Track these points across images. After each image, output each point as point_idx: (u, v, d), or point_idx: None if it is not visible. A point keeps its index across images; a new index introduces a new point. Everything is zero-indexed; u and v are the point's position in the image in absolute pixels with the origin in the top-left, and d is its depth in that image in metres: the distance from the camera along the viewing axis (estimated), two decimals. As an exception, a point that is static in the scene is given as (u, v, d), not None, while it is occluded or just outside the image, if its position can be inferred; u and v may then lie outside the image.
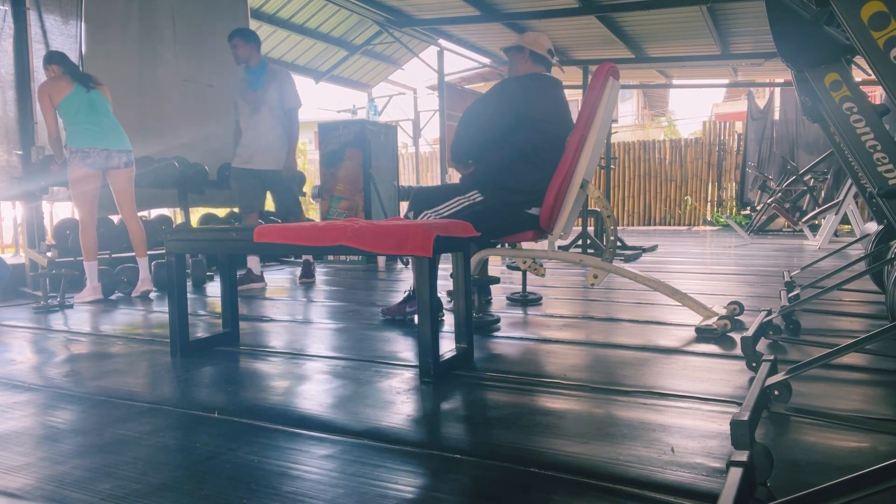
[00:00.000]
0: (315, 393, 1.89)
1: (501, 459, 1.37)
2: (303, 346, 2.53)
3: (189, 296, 3.39)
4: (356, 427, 1.59)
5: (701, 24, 7.68)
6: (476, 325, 2.71)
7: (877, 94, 8.93)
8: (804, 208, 9.60)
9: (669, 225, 13.13)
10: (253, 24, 7.34)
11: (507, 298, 3.56)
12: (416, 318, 2.63)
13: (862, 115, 2.09)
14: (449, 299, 3.29)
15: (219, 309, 2.75)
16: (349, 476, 1.30)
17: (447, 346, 2.23)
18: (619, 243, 6.31)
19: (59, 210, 6.21)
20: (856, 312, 3.06)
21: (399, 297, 3.40)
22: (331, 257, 6.26)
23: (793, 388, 1.60)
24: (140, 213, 4.71)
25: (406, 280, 4.75)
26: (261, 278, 4.38)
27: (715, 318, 2.63)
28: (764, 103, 12.17)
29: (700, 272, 4.85)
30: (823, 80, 2.16)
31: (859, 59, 2.14)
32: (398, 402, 1.79)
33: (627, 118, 22.44)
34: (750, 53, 9.06)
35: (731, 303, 2.85)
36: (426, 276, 1.95)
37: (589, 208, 6.63)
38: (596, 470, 1.30)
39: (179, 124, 5.71)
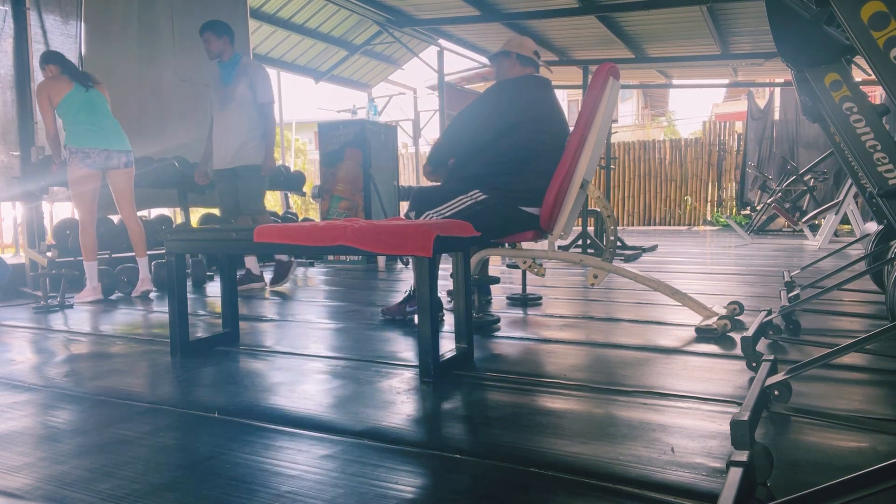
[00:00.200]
0: (315, 393, 1.89)
1: (501, 459, 1.37)
2: (303, 346, 2.53)
3: (189, 296, 3.39)
4: (356, 427, 1.59)
5: (701, 24, 7.68)
6: (476, 325, 2.71)
7: (877, 94, 8.94)
8: (804, 208, 9.60)
9: (669, 225, 13.13)
10: (253, 24, 7.34)
11: (507, 298, 3.56)
12: (416, 318, 2.63)
13: (862, 115, 2.09)
14: (449, 299, 3.29)
15: (219, 309, 2.75)
16: (349, 476, 1.30)
17: (447, 346, 2.23)
18: (619, 243, 6.31)
19: (59, 210, 6.22)
20: (856, 312, 3.06)
21: (399, 297, 3.40)
22: (331, 257, 6.26)
23: (793, 388, 1.60)
24: (140, 213, 4.71)
25: (406, 280, 4.75)
26: (260, 278, 4.36)
27: (715, 318, 2.63)
28: (764, 103, 12.17)
29: (700, 272, 4.85)
30: (823, 80, 2.15)
31: (859, 59, 2.14)
32: (398, 402, 1.79)
33: (627, 118, 22.44)
34: (750, 53, 9.06)
35: (731, 303, 2.85)
36: (426, 276, 1.95)
37: (589, 208, 6.63)
38: (596, 470, 1.30)
39: (179, 124, 5.71)
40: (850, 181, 6.55)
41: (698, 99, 46.09)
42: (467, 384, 1.95)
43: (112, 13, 5.27)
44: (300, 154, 16.32)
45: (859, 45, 1.38)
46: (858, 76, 4.46)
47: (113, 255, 4.76)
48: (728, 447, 1.35)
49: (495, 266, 5.37)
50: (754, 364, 1.91)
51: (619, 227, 7.91)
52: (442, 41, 8.97)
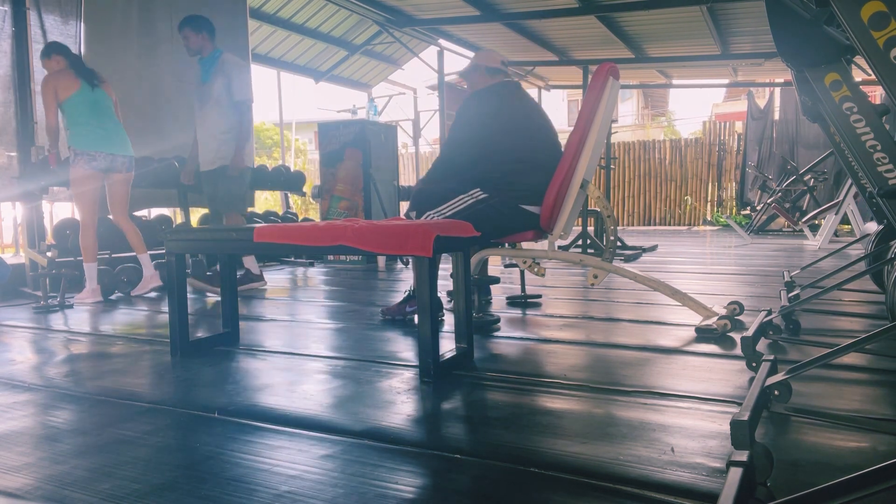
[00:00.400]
0: (315, 393, 1.89)
1: (501, 459, 1.37)
2: (303, 346, 2.53)
3: (189, 296, 3.39)
4: (356, 427, 1.59)
5: (701, 24, 7.68)
6: (476, 325, 2.71)
7: (877, 94, 8.93)
8: (804, 208, 9.60)
9: (669, 225, 13.13)
10: (253, 24, 7.34)
11: (507, 298, 3.56)
12: (416, 318, 2.63)
13: (862, 115, 2.09)
14: (449, 299, 3.29)
15: (219, 309, 2.75)
16: (349, 476, 1.30)
17: (447, 346, 2.23)
18: (619, 243, 6.31)
19: (59, 210, 6.21)
20: (856, 312, 3.06)
21: (399, 297, 3.40)
22: (331, 257, 6.26)
23: (793, 388, 1.60)
24: (140, 213, 4.71)
25: (406, 280, 4.74)
26: (260, 277, 4.35)
27: (715, 318, 2.63)
28: (764, 103, 12.17)
29: (700, 272, 4.85)
30: (823, 80, 2.15)
31: (859, 59, 2.14)
32: (398, 401, 1.79)
33: (627, 118, 22.45)
34: (750, 53, 9.06)
35: (731, 303, 2.85)
36: (426, 276, 1.95)
37: (589, 208, 6.63)
38: (596, 470, 1.30)
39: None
40: (850, 181, 6.55)
41: (698, 99, 46.12)
42: (467, 384, 1.95)
43: (112, 13, 5.27)
44: (300, 154, 16.33)
45: (859, 45, 1.38)
46: (858, 76, 4.46)
47: (113, 255, 4.76)
48: (728, 447, 1.35)
49: (495, 266, 5.37)
50: (754, 364, 1.91)
51: (619, 227, 7.92)
52: (442, 41, 8.97)
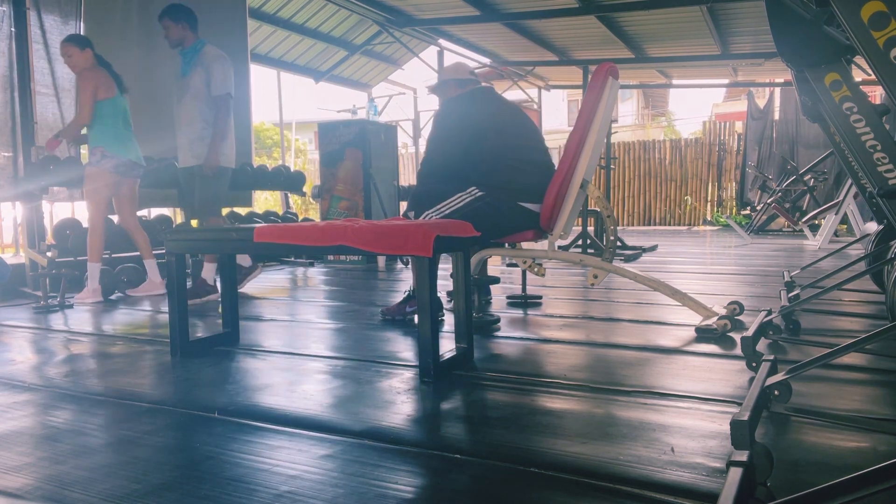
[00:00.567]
0: (315, 393, 1.89)
1: (501, 459, 1.37)
2: (303, 346, 2.53)
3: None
4: (356, 427, 1.59)
5: (701, 24, 7.68)
6: (476, 325, 2.71)
7: (877, 94, 8.93)
8: (804, 208, 9.60)
9: (669, 225, 13.13)
10: (253, 24, 7.33)
11: (507, 298, 3.56)
12: (416, 318, 2.63)
13: (862, 115, 2.09)
14: (449, 299, 3.29)
15: (219, 308, 2.75)
16: (349, 476, 1.30)
17: (447, 346, 2.23)
18: (619, 243, 6.31)
19: (59, 210, 6.20)
20: (856, 312, 3.06)
21: (399, 297, 3.40)
22: (331, 257, 6.25)
23: (793, 388, 1.60)
24: (140, 213, 4.70)
25: (406, 280, 4.74)
26: (253, 266, 4.19)
27: (715, 318, 2.63)
28: (764, 103, 12.17)
29: (700, 272, 4.85)
30: (823, 80, 2.15)
31: (859, 59, 2.14)
32: (398, 401, 1.79)
33: (627, 118, 22.44)
34: (750, 53, 9.06)
35: (731, 303, 2.85)
36: (426, 276, 1.95)
37: (589, 208, 6.63)
38: (596, 470, 1.30)
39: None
40: (850, 181, 6.55)
41: (698, 99, 46.08)
42: (467, 384, 1.95)
43: (112, 13, 5.27)
44: (300, 154, 16.33)
45: (859, 45, 1.38)
46: (858, 76, 4.46)
47: (113, 255, 4.76)
48: (728, 447, 1.35)
49: (495, 266, 5.37)
50: (754, 364, 1.91)
51: (619, 227, 7.91)
52: (442, 41, 8.97)
